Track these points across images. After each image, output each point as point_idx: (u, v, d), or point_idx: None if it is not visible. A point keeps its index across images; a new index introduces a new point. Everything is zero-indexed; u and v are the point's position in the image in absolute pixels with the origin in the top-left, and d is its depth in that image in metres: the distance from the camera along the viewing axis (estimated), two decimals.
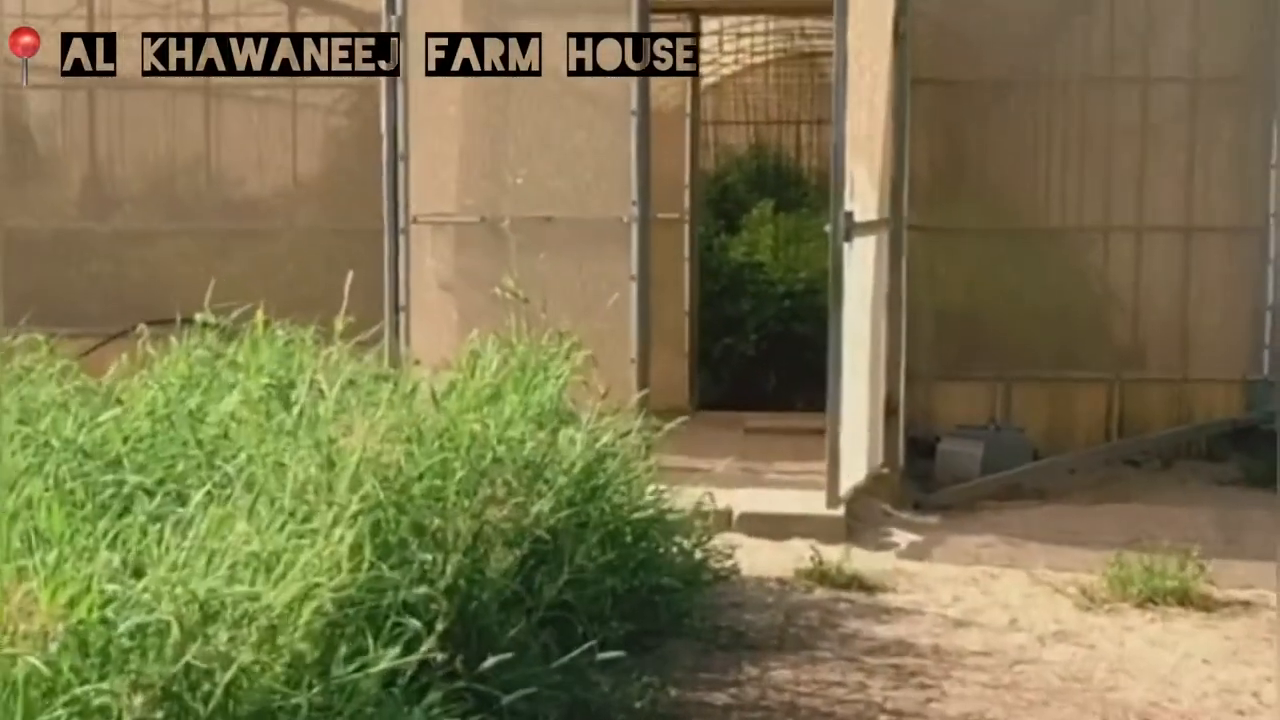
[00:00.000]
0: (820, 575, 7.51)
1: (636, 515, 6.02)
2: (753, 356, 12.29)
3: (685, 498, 6.74)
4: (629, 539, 5.94)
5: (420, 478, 4.85)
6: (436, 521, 4.71)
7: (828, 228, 8.91)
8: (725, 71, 23.51)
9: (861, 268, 8.85)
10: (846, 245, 8.46)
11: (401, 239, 9.05)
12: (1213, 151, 10.59)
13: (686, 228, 11.05)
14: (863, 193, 8.75)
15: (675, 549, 6.43)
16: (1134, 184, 10.58)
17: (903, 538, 8.59)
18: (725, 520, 8.10)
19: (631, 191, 9.00)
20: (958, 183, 10.48)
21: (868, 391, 9.21)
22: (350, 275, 6.16)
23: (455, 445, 5.19)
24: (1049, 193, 10.79)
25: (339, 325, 5.78)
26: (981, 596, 7.42)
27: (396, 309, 9.05)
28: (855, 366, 8.84)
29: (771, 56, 23.75)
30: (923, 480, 9.78)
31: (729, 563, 6.94)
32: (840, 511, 8.55)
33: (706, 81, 27.09)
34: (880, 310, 9.23)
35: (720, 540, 7.05)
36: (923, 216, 9.80)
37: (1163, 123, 10.59)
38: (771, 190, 21.50)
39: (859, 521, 8.75)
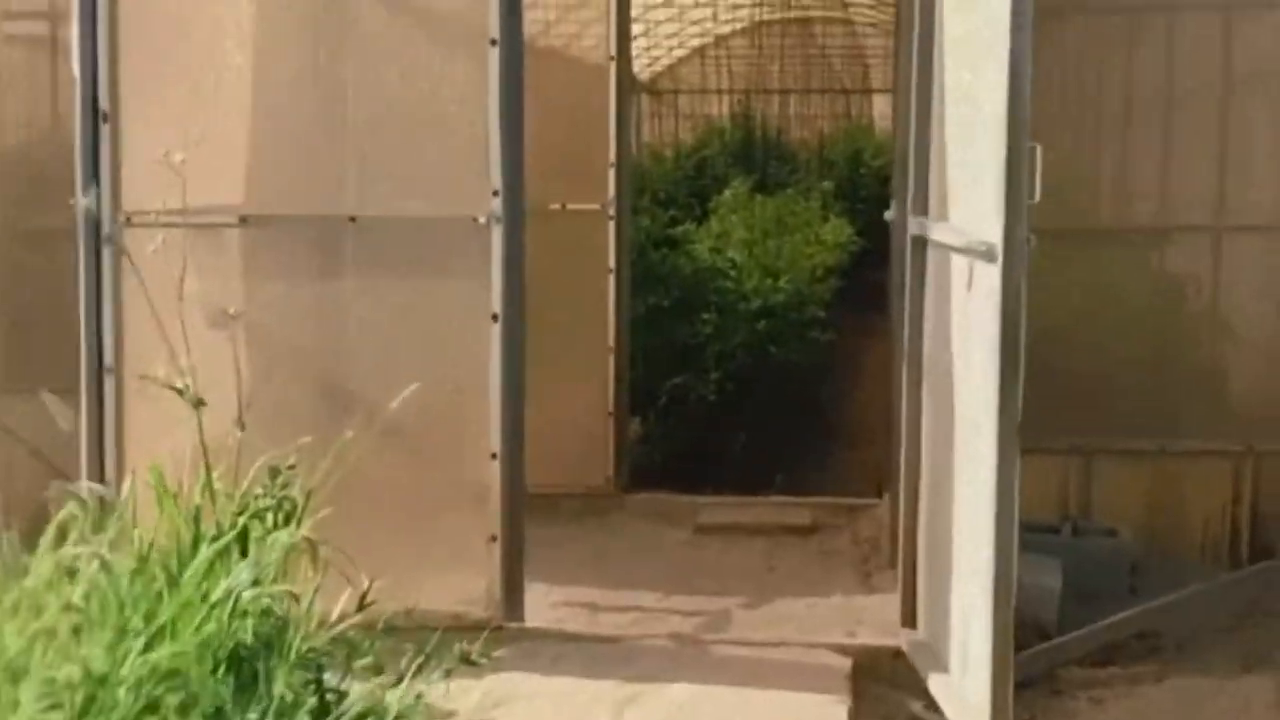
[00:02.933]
0: None
1: None
2: (713, 403, 8.67)
3: None
4: None
5: None
6: None
7: (888, 214, 6.14)
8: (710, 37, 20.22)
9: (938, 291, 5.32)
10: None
11: (106, 253, 5.44)
12: None
13: (612, 225, 7.43)
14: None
15: None
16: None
17: None
18: None
19: (491, 174, 5.44)
20: None
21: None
22: None
23: None
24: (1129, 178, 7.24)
25: None
26: None
27: (98, 371, 5.44)
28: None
29: (761, 18, 20.47)
30: None
31: None
32: None
33: (691, 45, 23.78)
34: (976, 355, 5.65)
35: None
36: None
37: None
38: (757, 167, 17.97)
39: None
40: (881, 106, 26.41)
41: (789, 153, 20.94)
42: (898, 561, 5.89)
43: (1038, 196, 4.40)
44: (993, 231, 4.45)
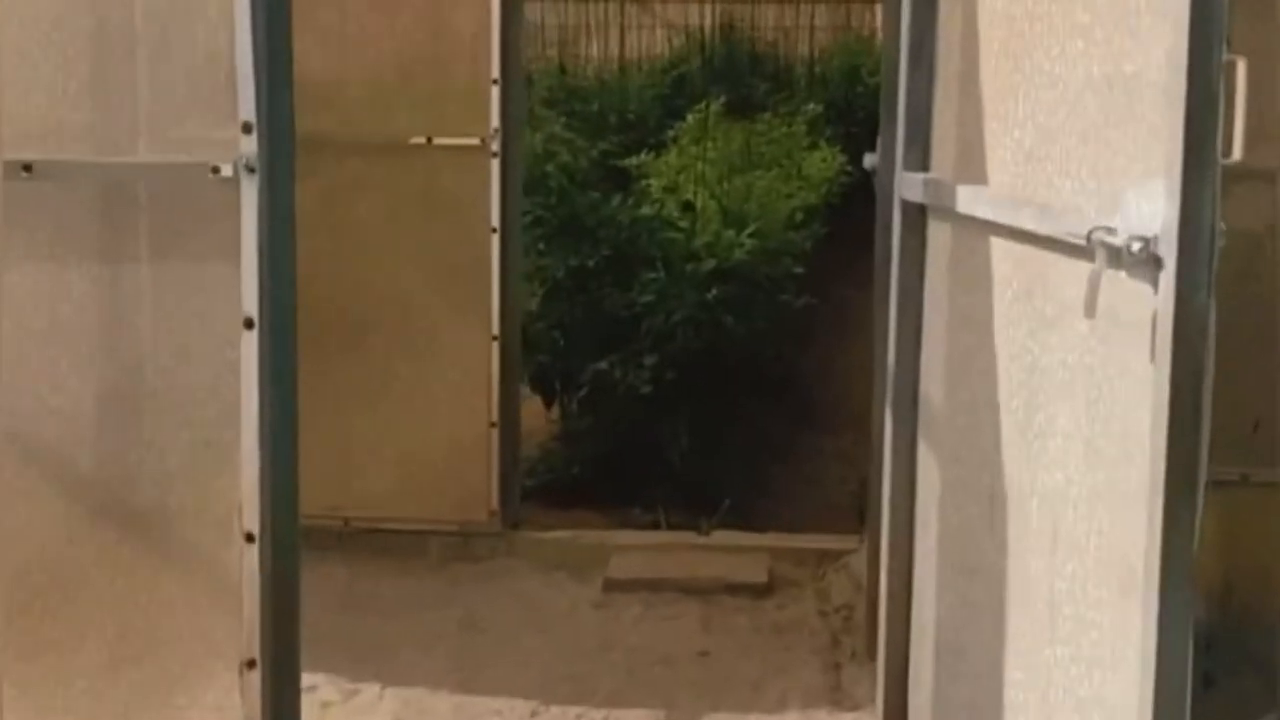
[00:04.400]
0: None
1: None
2: (648, 395, 6.65)
3: None
4: None
5: None
6: None
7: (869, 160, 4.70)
8: None
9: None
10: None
11: None
12: None
13: (496, 165, 5.39)
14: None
15: None
16: None
17: None
18: None
19: (241, 99, 3.47)
20: None
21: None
22: None
23: None
24: None
25: None
26: None
27: None
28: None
29: None
30: None
31: None
32: None
33: None
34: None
35: None
36: None
37: None
38: (743, 85, 15.88)
39: None
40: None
41: (780, 68, 18.82)
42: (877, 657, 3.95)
43: (1236, 153, 2.23)
44: (1146, 216, 2.25)
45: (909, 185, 3.35)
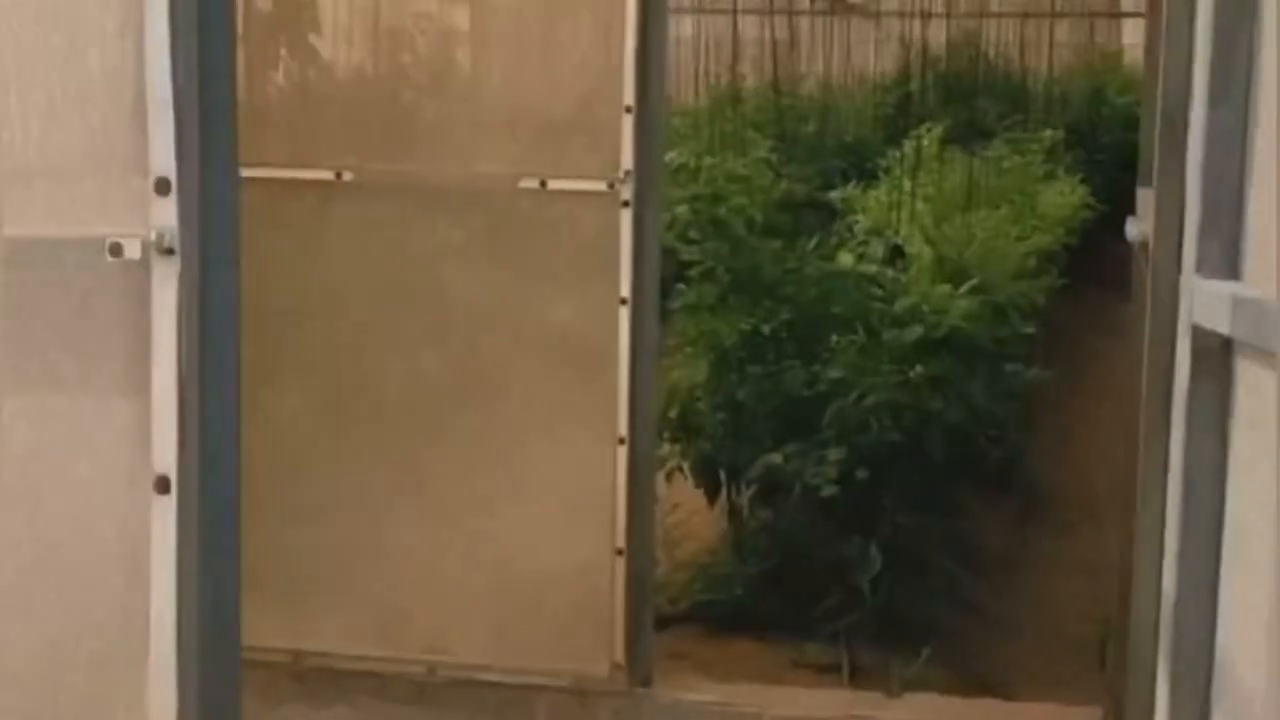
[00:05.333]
0: None
1: None
2: (831, 500, 5.30)
3: None
4: None
5: None
6: None
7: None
8: None
9: None
10: None
11: None
12: None
13: (627, 216, 4.12)
14: None
15: None
16: None
17: None
18: None
19: (152, 151, 2.27)
20: None
21: None
22: None
23: None
24: None
25: None
26: None
27: None
28: None
29: None
30: None
31: None
32: None
33: None
34: None
35: None
36: None
37: None
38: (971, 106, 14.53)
39: None
40: (1132, 35, 22.50)
41: (1014, 86, 17.29)
42: None
43: None
44: None
45: (1206, 303, 2.01)
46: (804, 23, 18.13)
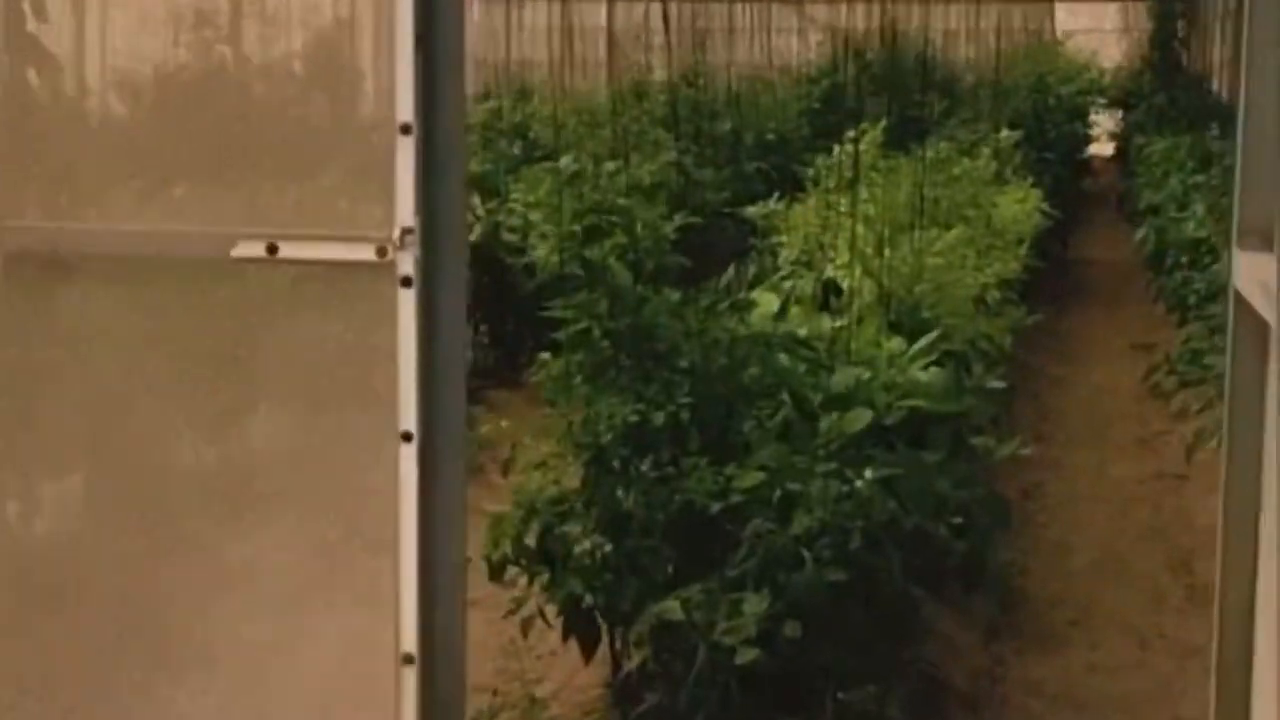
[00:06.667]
0: None
1: None
2: (748, 671, 3.75)
3: None
4: None
5: None
6: None
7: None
8: None
9: None
10: None
11: None
12: None
13: (409, 299, 2.54)
14: None
15: None
16: None
17: None
18: None
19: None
20: None
21: None
22: None
23: None
24: None
25: None
26: None
27: None
28: None
29: None
30: None
31: None
32: None
33: None
34: None
35: None
36: None
37: None
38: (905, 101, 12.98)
39: None
40: (1065, 19, 21.20)
41: (950, 77, 15.89)
42: None
43: None
44: None
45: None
46: (718, 10, 16.59)
